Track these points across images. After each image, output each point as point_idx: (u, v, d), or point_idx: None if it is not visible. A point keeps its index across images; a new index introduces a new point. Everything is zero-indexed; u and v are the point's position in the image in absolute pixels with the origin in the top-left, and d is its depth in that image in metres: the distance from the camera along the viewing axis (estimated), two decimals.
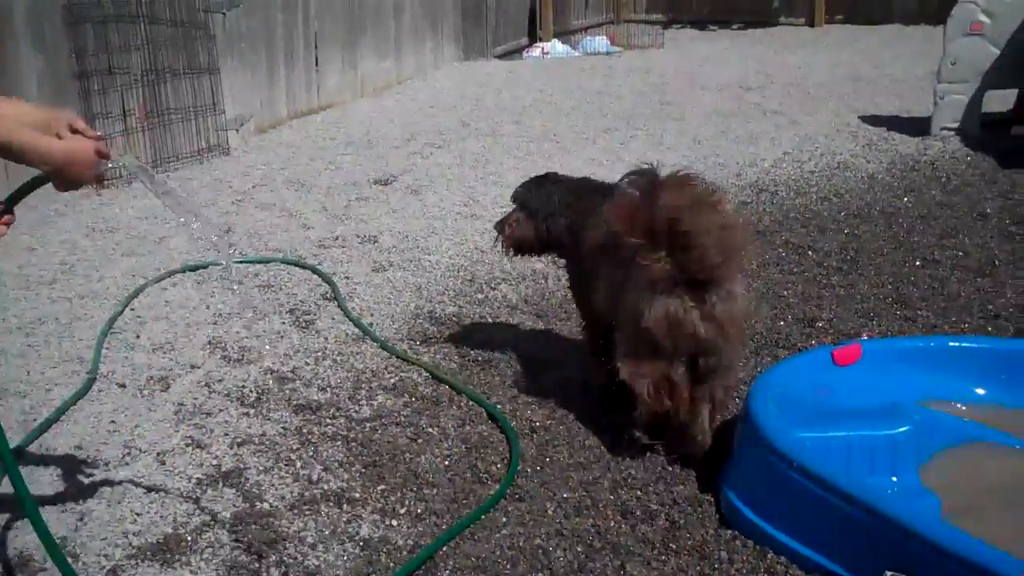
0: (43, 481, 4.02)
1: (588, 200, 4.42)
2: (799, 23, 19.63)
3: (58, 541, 3.60)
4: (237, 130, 9.78)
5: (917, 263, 6.24)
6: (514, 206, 4.75)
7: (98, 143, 2.81)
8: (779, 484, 3.43)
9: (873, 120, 10.37)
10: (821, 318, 5.45)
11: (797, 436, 3.60)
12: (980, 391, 4.17)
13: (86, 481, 4.02)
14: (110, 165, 2.96)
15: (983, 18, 9.17)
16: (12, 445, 4.15)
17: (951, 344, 4.37)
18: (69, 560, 3.51)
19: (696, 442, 3.99)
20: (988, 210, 7.24)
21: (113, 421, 4.50)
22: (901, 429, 3.82)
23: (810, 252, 6.50)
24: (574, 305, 5.44)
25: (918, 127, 9.78)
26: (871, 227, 6.97)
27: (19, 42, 7.61)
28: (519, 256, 4.89)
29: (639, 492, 3.88)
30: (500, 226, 4.78)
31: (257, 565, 3.51)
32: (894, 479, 3.68)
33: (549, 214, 4.58)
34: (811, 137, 9.71)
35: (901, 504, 3.22)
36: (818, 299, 5.73)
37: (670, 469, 4.03)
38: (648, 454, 4.13)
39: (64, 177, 2.74)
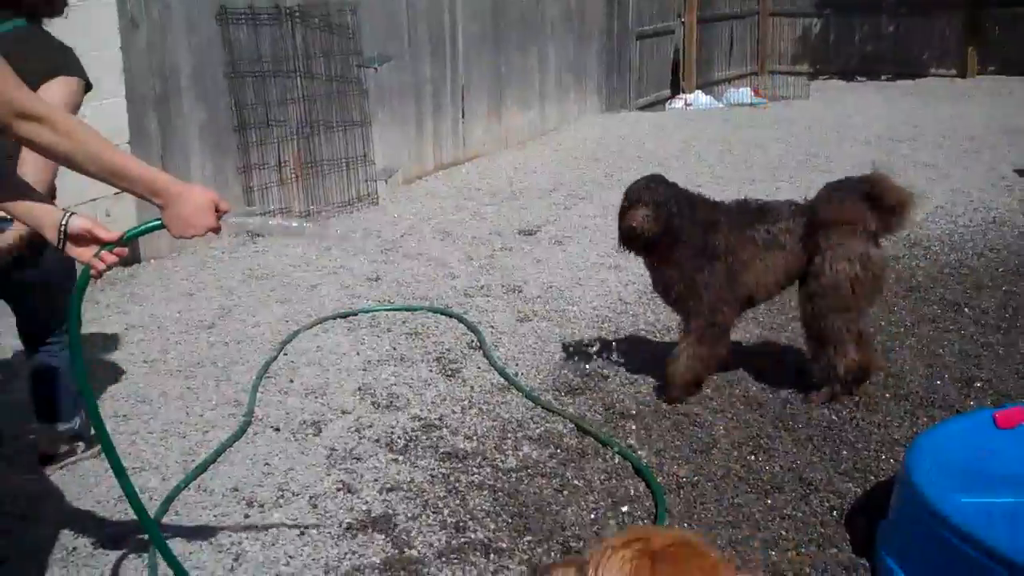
0: (200, 521, 4.15)
1: (702, 201, 5.17)
2: (950, 74, 19.15)
3: None
4: (386, 181, 10.01)
5: None
6: (631, 202, 5.06)
7: (217, 197, 2.92)
8: (940, 550, 3.32)
9: None
10: (980, 378, 5.27)
11: (959, 501, 3.49)
12: None
13: (242, 522, 4.13)
14: (234, 219, 3.06)
15: None
16: (172, 484, 4.32)
17: None
18: None
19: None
20: None
21: (268, 463, 4.62)
22: None
23: (967, 309, 6.31)
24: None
25: None
26: None
27: (183, 97, 7.98)
28: (634, 249, 5.17)
29: (791, 554, 3.80)
30: (631, 218, 5.00)
31: None
32: None
33: (676, 208, 4.97)
34: (964, 191, 9.45)
35: None
36: (976, 358, 5.55)
37: (822, 531, 3.95)
38: (799, 516, 4.05)
39: (178, 218, 2.85)
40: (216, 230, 2.95)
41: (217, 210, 2.92)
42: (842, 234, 4.85)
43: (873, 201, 4.90)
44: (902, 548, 3.54)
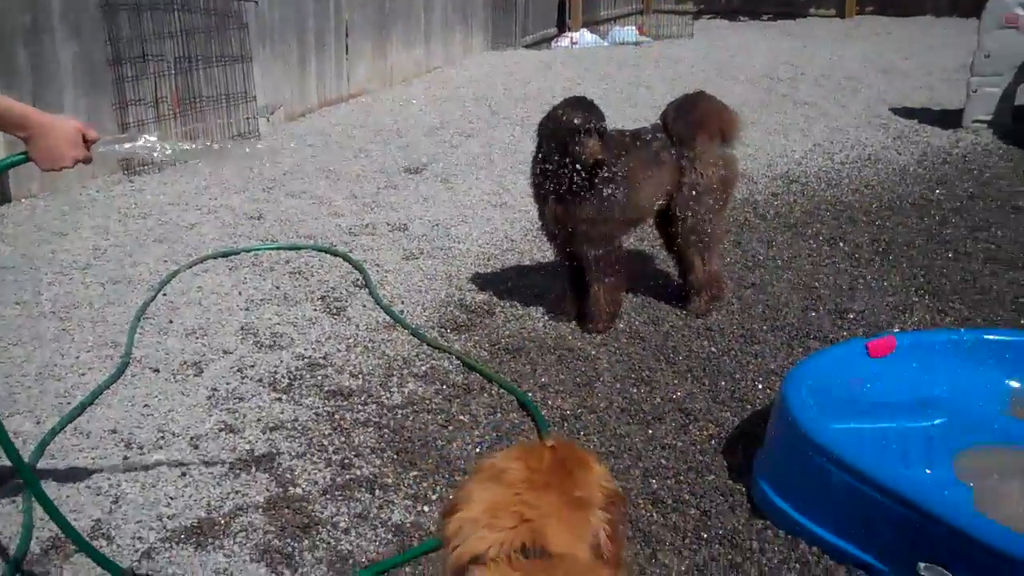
0: (78, 464, 4.06)
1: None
2: (829, 14, 19.50)
3: (92, 523, 3.65)
4: (268, 118, 9.81)
5: (949, 256, 6.21)
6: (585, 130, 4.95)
7: (84, 127, 2.84)
8: (813, 475, 3.43)
9: (904, 112, 10.30)
10: (853, 310, 5.43)
11: (832, 427, 3.60)
12: (1014, 384, 4.14)
13: (120, 464, 4.06)
14: (102, 148, 2.98)
15: (1018, 11, 9.08)
16: (48, 427, 4.22)
17: (986, 337, 4.34)
18: (103, 543, 3.56)
19: None
20: (1021, 203, 7.19)
21: (147, 405, 4.54)
22: (935, 422, 3.82)
23: (841, 244, 6.48)
24: None
25: (950, 119, 9.71)
26: (903, 219, 6.93)
27: (55, 31, 7.67)
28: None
29: (670, 481, 3.89)
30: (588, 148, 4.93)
31: (291, 549, 3.54)
32: (928, 471, 3.67)
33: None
34: (842, 129, 9.66)
35: (935, 495, 3.21)
36: (850, 291, 5.71)
37: (700, 459, 4.04)
38: (679, 445, 4.14)
39: (45, 150, 2.77)
40: (86, 160, 2.86)
41: (85, 140, 2.83)
42: (703, 142, 5.28)
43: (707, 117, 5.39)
44: (777, 474, 3.64)
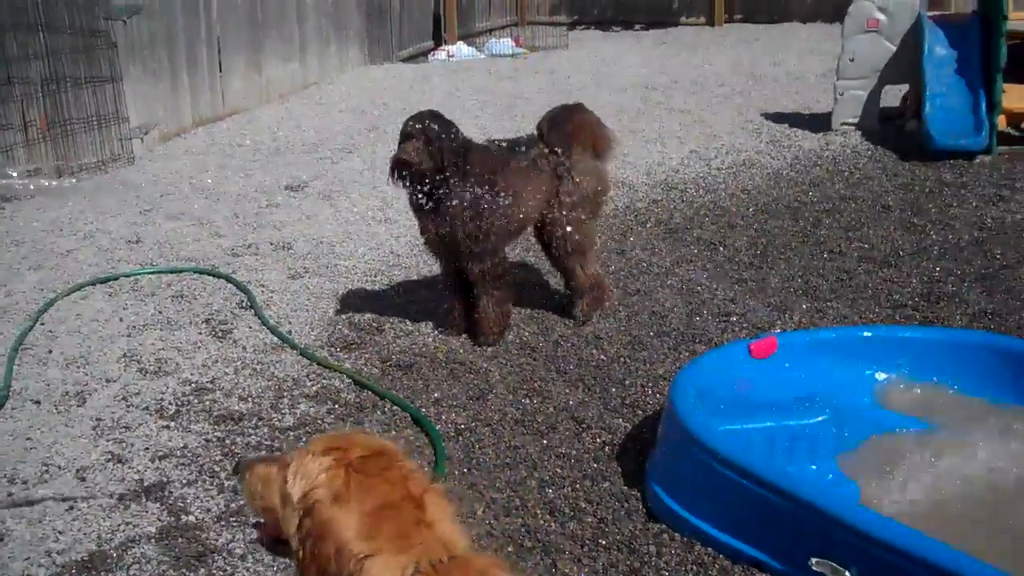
0: None
1: (474, 144, 5.28)
2: (699, 23, 19.90)
3: None
4: (142, 139, 9.62)
5: (825, 256, 6.40)
6: (404, 135, 5.10)
7: None
8: (703, 476, 3.51)
9: (775, 117, 10.57)
10: (735, 312, 5.56)
11: (719, 429, 3.68)
12: (893, 379, 4.28)
13: (5, 501, 3.93)
14: None
15: (879, 15, 9.42)
16: None
17: (864, 334, 4.49)
18: None
19: None
20: (890, 202, 7.45)
21: (29, 438, 4.41)
22: (818, 419, 3.94)
23: (721, 248, 6.63)
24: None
25: (819, 123, 10.00)
26: (779, 222, 7.12)
27: None
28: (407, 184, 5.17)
29: (566, 490, 3.93)
30: (403, 150, 5.05)
31: None
32: (813, 467, 3.78)
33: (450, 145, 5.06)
34: (717, 135, 9.87)
35: (821, 491, 3.31)
36: (731, 294, 5.85)
37: (595, 466, 4.09)
38: (573, 453, 4.18)
39: None
40: None
41: None
42: (579, 153, 5.39)
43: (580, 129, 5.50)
44: (670, 477, 3.71)
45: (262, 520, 2.24)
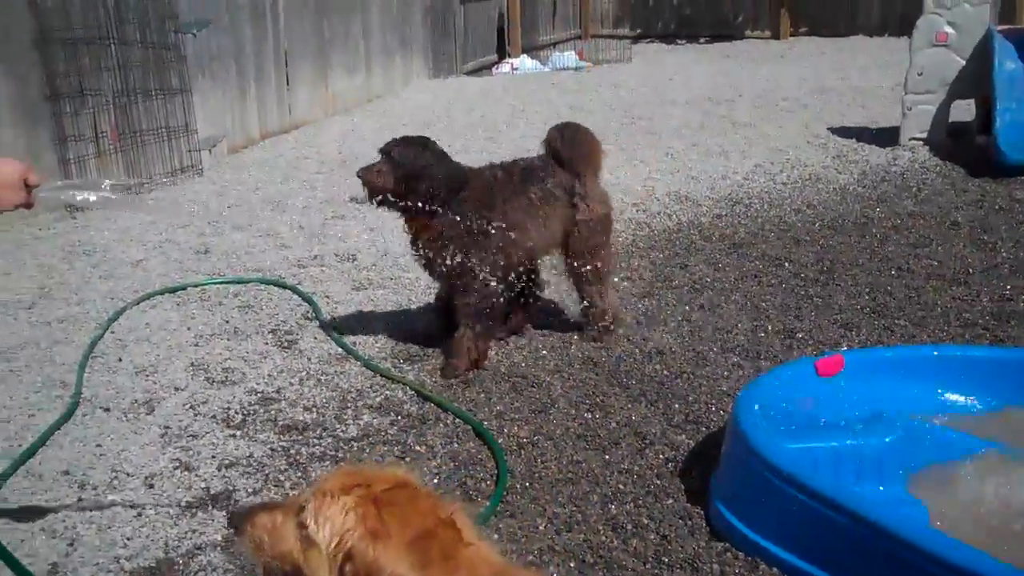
0: (32, 508, 3.99)
1: (471, 171, 5.26)
2: (765, 36, 19.80)
3: (49, 567, 3.60)
4: (210, 151, 9.76)
5: (892, 273, 6.32)
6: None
7: (26, 171, 2.83)
8: (768, 495, 3.47)
9: (842, 132, 10.47)
10: (801, 329, 5.51)
11: (785, 447, 3.64)
12: (962, 399, 4.22)
13: (75, 506, 4.01)
14: (44, 193, 2.97)
15: (948, 29, 9.30)
16: None
17: (933, 354, 4.42)
18: None
19: None
20: (959, 219, 7.34)
21: (99, 445, 4.48)
22: (886, 439, 3.88)
23: (787, 264, 6.57)
24: (556, 320, 5.50)
25: (887, 138, 9.89)
26: (845, 238, 7.05)
27: None
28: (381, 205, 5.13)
29: (629, 506, 3.91)
30: (366, 171, 5.04)
31: None
32: (880, 488, 3.73)
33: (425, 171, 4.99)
34: (781, 150, 9.80)
35: (890, 512, 3.26)
36: (797, 310, 5.79)
37: (658, 482, 4.07)
38: (636, 469, 4.17)
39: None
40: (27, 205, 2.85)
41: (27, 184, 2.81)
42: (590, 178, 5.29)
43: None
44: (733, 495, 3.68)
45: (272, 569, 2.13)
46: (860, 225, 7.34)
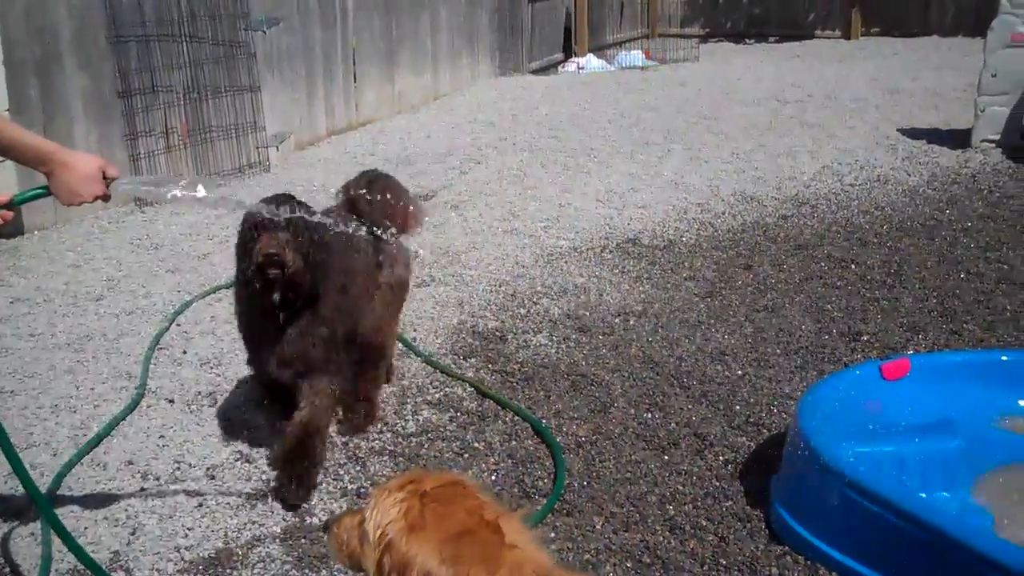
0: (95, 496, 4.06)
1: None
2: (835, 36, 19.57)
3: (111, 555, 3.66)
4: (277, 147, 9.86)
5: (961, 276, 6.20)
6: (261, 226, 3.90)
7: (105, 164, 2.88)
8: (830, 499, 3.42)
9: (912, 133, 10.31)
10: (866, 332, 5.43)
11: (848, 451, 3.59)
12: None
13: (138, 496, 4.06)
14: (123, 187, 3.02)
15: (1023, 29, 9.11)
16: (64, 459, 4.24)
17: (1002, 358, 4.33)
18: (121, 575, 3.56)
19: None
20: None
21: (163, 436, 4.54)
22: (951, 444, 3.81)
23: (853, 266, 6.48)
24: (617, 319, 5.49)
25: (958, 139, 9.72)
26: (914, 240, 6.93)
27: (64, 62, 7.73)
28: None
29: (687, 507, 3.88)
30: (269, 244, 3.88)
31: None
32: (945, 494, 3.65)
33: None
34: (850, 150, 9.67)
35: (955, 519, 3.20)
36: (863, 313, 5.71)
37: (717, 484, 4.03)
38: (695, 470, 4.13)
39: (65, 186, 2.82)
40: (105, 198, 2.90)
41: (105, 176, 2.87)
42: (399, 234, 4.44)
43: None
44: (794, 499, 3.63)
45: (350, 568, 2.18)
46: (929, 227, 7.21)
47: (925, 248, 6.77)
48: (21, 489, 3.07)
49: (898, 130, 10.48)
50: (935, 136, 10.05)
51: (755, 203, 7.99)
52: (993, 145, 9.35)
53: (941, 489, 3.66)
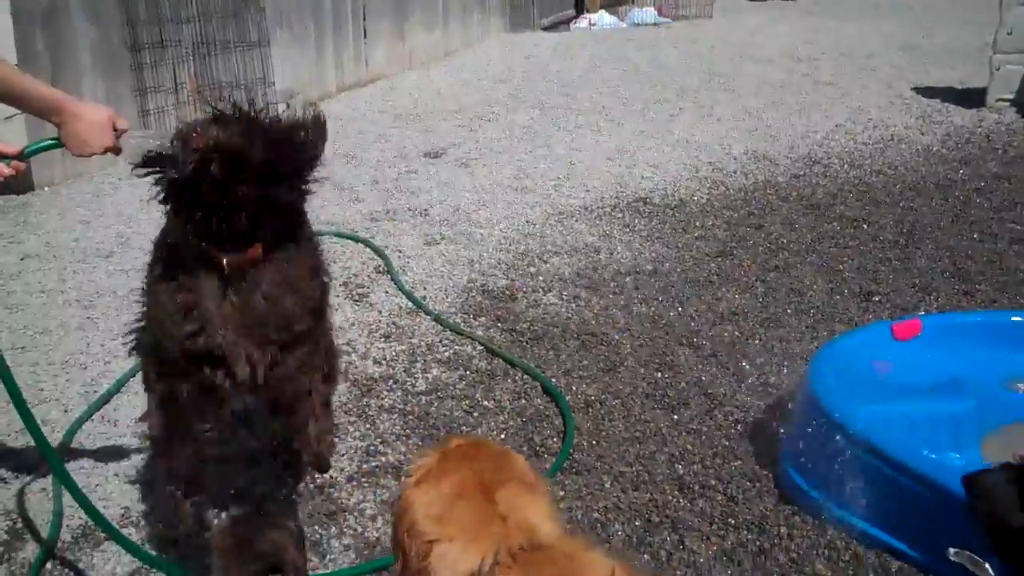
0: (106, 452, 4.08)
1: None
2: None
3: (121, 511, 3.67)
4: (287, 103, 9.81)
5: (975, 237, 6.17)
6: None
7: (114, 115, 2.86)
8: (839, 459, 3.41)
9: (927, 91, 10.22)
10: (878, 292, 5.40)
11: (858, 411, 3.57)
12: None
13: (148, 452, 4.07)
14: (133, 140, 2.99)
15: None
16: (75, 415, 4.25)
17: (1013, 319, 4.31)
18: (132, 531, 3.58)
19: None
20: None
21: None
22: (962, 405, 3.79)
23: (865, 225, 6.44)
24: (628, 278, 5.48)
25: (973, 98, 9.63)
26: (927, 200, 6.89)
27: (72, 14, 7.67)
28: None
29: (696, 467, 3.87)
30: None
31: (318, 536, 3.54)
32: (956, 455, 3.64)
33: None
34: (864, 109, 9.60)
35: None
36: (874, 273, 5.68)
37: (726, 444, 4.02)
38: (704, 430, 4.13)
39: (75, 136, 2.81)
40: (115, 150, 2.89)
41: (115, 129, 2.86)
42: None
43: None
44: (804, 459, 3.62)
45: None
46: (943, 187, 7.16)
47: (938, 208, 6.72)
48: (33, 444, 3.07)
49: (912, 88, 10.39)
50: (950, 95, 9.96)
51: (767, 162, 7.94)
52: (1008, 104, 9.27)
53: (951, 450, 3.64)
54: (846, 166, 7.81)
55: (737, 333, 5.02)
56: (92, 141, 2.83)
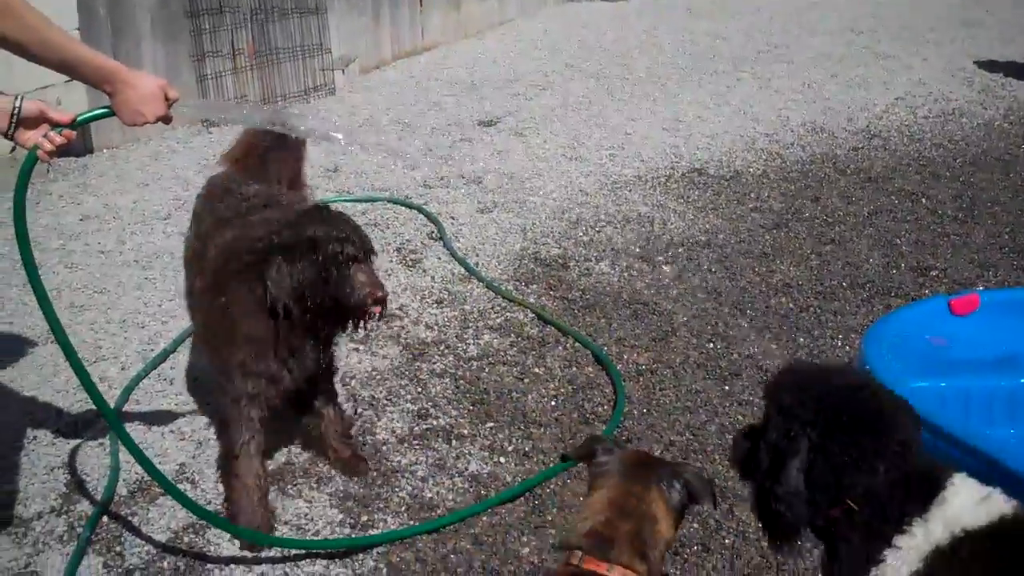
0: (162, 410, 4.14)
1: None
2: None
3: (177, 467, 3.74)
4: (343, 70, 9.83)
5: None
6: None
7: (166, 85, 2.88)
8: None
9: (989, 66, 10.02)
10: (935, 267, 5.34)
11: (913, 385, 3.54)
12: None
13: (204, 410, 4.14)
14: (184, 109, 3.02)
15: None
16: (132, 373, 4.32)
17: None
18: (187, 486, 3.64)
19: None
20: None
21: None
22: (1019, 381, 3.75)
23: (924, 200, 6.35)
24: (681, 249, 5.45)
25: None
26: (987, 175, 6.77)
27: None
28: None
29: None
30: None
31: (369, 495, 3.58)
32: (1011, 431, 3.61)
33: None
34: (924, 82, 9.43)
35: (1019, 456, 3.15)
36: (932, 248, 5.61)
37: None
38: (756, 402, 4.11)
39: (127, 105, 2.83)
40: (166, 119, 2.91)
41: (167, 98, 2.88)
42: None
43: None
44: None
45: None
46: (1004, 162, 7.04)
47: (999, 183, 6.61)
48: (90, 403, 3.13)
49: (974, 63, 10.19)
50: (1012, 69, 9.76)
51: (825, 134, 7.84)
52: None
53: (1007, 426, 3.61)
54: (905, 139, 7.69)
55: (791, 305, 4.98)
56: (144, 110, 2.85)
